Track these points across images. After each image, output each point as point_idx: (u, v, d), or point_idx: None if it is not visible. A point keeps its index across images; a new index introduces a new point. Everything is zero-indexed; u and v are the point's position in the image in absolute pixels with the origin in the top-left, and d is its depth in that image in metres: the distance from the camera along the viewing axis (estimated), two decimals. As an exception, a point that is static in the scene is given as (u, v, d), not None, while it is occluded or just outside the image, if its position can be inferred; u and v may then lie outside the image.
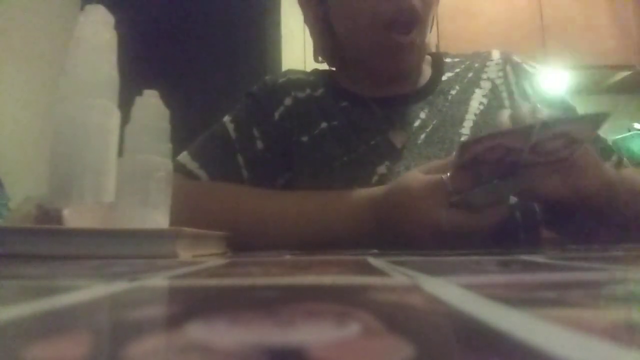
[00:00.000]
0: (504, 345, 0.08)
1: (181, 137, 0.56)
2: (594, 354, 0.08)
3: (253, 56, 1.93)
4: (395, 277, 0.20)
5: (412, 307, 0.13)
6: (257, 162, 0.66)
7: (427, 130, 0.63)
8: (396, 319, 0.11)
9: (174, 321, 0.11)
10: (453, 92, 0.68)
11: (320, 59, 0.76)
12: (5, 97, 1.71)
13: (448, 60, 0.74)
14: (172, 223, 0.42)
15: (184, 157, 0.66)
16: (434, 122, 0.64)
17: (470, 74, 0.70)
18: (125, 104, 0.46)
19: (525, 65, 0.71)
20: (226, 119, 0.70)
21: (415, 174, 0.48)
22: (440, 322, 0.11)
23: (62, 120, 0.45)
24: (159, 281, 0.20)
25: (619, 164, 0.64)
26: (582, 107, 0.76)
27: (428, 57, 0.74)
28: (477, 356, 0.08)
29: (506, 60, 0.71)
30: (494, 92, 0.67)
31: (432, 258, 0.32)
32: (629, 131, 2.01)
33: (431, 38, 2.03)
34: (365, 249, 0.44)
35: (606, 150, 0.65)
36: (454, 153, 0.46)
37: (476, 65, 0.71)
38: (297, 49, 2.04)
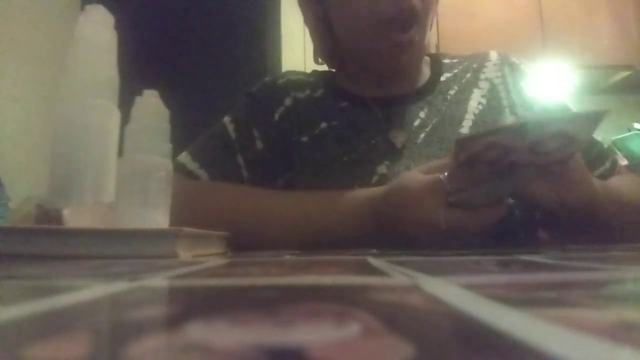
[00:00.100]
0: (504, 345, 0.08)
1: (181, 137, 0.56)
2: (593, 354, 0.08)
3: (253, 56, 1.93)
4: (395, 277, 0.20)
5: (412, 307, 0.13)
6: (257, 162, 0.66)
7: (427, 129, 0.64)
8: (396, 319, 0.11)
9: (174, 321, 0.11)
10: (452, 92, 0.68)
11: (320, 60, 0.76)
12: (5, 97, 1.71)
13: (446, 61, 0.74)
14: (172, 223, 0.42)
15: (184, 157, 0.66)
16: (433, 122, 0.64)
17: (468, 75, 0.70)
18: (125, 104, 0.46)
19: (523, 66, 0.71)
20: (226, 119, 0.70)
21: (414, 174, 0.48)
22: (440, 322, 0.11)
23: (62, 120, 0.45)
24: (159, 281, 0.20)
25: (612, 169, 0.65)
26: (582, 107, 0.76)
27: (427, 58, 0.74)
28: (477, 356, 0.08)
29: (504, 61, 0.71)
30: (492, 93, 0.67)
31: (432, 258, 0.32)
32: (629, 131, 2.01)
33: (431, 38, 2.03)
34: (365, 249, 0.44)
35: (601, 155, 0.66)
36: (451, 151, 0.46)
37: (474, 66, 0.71)
38: (297, 49, 2.04)
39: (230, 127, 0.68)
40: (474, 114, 0.64)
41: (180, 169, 0.64)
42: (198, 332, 0.09)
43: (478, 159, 0.44)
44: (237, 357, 0.08)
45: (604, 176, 0.64)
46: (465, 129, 0.63)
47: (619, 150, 1.86)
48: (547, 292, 0.15)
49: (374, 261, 0.29)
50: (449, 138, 0.62)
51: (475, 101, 0.66)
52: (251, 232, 0.55)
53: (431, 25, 0.68)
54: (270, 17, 2.01)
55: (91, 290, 0.17)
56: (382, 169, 0.61)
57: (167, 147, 0.44)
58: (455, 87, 0.68)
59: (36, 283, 0.20)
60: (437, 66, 0.72)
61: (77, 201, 0.42)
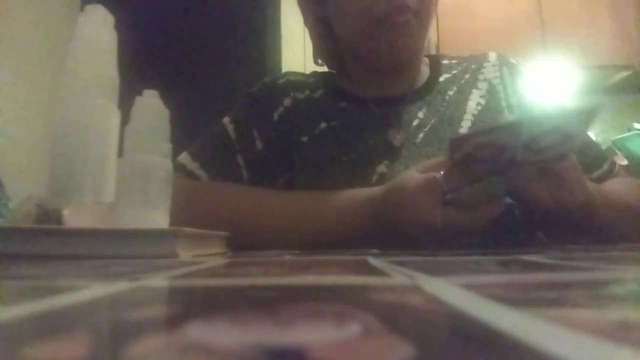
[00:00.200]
0: (504, 345, 0.08)
1: (181, 137, 0.56)
2: (593, 354, 0.08)
3: (253, 56, 1.93)
4: (395, 277, 0.20)
5: (412, 307, 0.13)
6: (257, 163, 0.66)
7: (425, 129, 0.64)
8: (396, 319, 0.11)
9: (174, 321, 0.11)
10: (451, 92, 0.68)
11: (320, 61, 0.76)
12: (5, 97, 1.71)
13: (445, 62, 0.74)
14: (172, 223, 0.42)
15: (184, 157, 0.66)
16: (432, 122, 0.64)
17: (467, 75, 0.70)
18: (125, 104, 0.46)
19: (521, 67, 0.71)
20: (226, 119, 0.70)
21: (412, 173, 0.49)
22: (440, 322, 0.11)
23: (62, 120, 0.45)
24: (159, 281, 0.20)
25: (610, 172, 0.65)
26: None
27: (425, 59, 0.74)
28: (477, 356, 0.08)
29: (502, 62, 0.71)
30: (491, 93, 0.67)
31: (432, 258, 0.32)
32: (629, 131, 2.00)
33: (431, 38, 2.03)
34: (365, 249, 0.44)
35: (599, 157, 0.66)
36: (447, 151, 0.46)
37: (473, 66, 0.71)
38: (297, 49, 2.04)
39: (230, 128, 0.68)
40: (473, 115, 0.65)
41: (180, 169, 0.64)
42: (198, 332, 0.09)
43: (473, 158, 0.44)
44: (237, 357, 0.08)
45: (602, 178, 0.64)
46: (464, 129, 0.63)
47: (619, 150, 1.86)
48: (547, 292, 0.15)
49: (374, 261, 0.29)
50: (447, 138, 0.62)
51: (474, 102, 0.66)
52: (251, 232, 0.55)
53: (430, 26, 0.68)
54: (270, 17, 2.01)
55: (91, 290, 0.17)
56: (381, 168, 0.61)
57: (167, 147, 0.44)
58: (454, 88, 0.68)
59: (36, 283, 0.20)
60: (436, 67, 0.72)
61: (77, 201, 0.42)
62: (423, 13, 0.62)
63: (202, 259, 0.35)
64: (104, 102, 0.47)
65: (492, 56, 0.73)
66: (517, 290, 0.16)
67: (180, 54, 1.93)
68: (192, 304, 0.15)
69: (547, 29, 2.12)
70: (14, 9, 1.80)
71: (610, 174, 0.65)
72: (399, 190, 0.49)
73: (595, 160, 0.65)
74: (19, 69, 1.79)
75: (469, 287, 0.16)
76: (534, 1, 2.15)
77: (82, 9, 0.49)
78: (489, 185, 0.45)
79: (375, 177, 0.60)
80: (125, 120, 0.45)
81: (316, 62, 0.77)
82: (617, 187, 0.61)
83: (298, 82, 0.72)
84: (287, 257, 0.36)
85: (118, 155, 0.45)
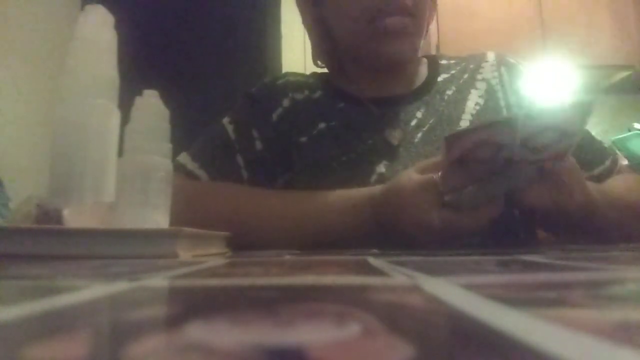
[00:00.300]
0: (504, 345, 0.08)
1: (181, 137, 0.56)
2: (593, 354, 0.08)
3: (253, 56, 1.93)
4: (395, 277, 0.20)
5: (412, 307, 0.13)
6: (257, 163, 0.66)
7: (424, 129, 0.64)
8: (396, 319, 0.11)
9: (174, 321, 0.11)
10: (449, 92, 0.68)
11: (319, 63, 0.76)
12: (5, 97, 1.71)
13: (443, 62, 0.74)
14: (172, 223, 0.42)
15: (183, 157, 0.66)
16: (431, 122, 0.64)
17: (465, 75, 0.70)
18: (125, 104, 0.46)
19: (519, 66, 0.71)
20: (225, 120, 0.70)
21: (410, 174, 0.48)
22: (440, 322, 0.11)
23: (62, 120, 0.45)
24: (159, 281, 0.20)
25: (612, 168, 0.65)
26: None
27: (424, 59, 0.75)
28: (477, 356, 0.08)
29: (500, 61, 0.71)
30: (489, 93, 0.67)
31: (432, 258, 0.32)
32: (629, 131, 2.00)
33: (431, 38, 2.03)
34: (365, 249, 0.44)
35: (601, 154, 0.65)
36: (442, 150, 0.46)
37: (471, 66, 0.71)
38: (297, 49, 2.04)
39: (230, 128, 0.68)
40: (472, 114, 0.65)
41: (180, 169, 0.64)
42: (198, 332, 0.09)
43: (470, 157, 0.43)
44: (237, 357, 0.08)
45: (604, 175, 0.63)
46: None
47: (619, 150, 1.86)
48: (547, 292, 0.15)
49: (374, 261, 0.29)
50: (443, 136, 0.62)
51: (473, 101, 0.66)
52: (251, 232, 0.55)
53: (428, 26, 0.69)
54: (270, 17, 2.01)
55: (91, 290, 0.17)
56: (380, 168, 0.61)
57: (167, 147, 0.44)
58: (453, 88, 0.68)
59: (36, 283, 0.20)
60: (434, 67, 0.72)
61: (77, 201, 0.42)
62: (419, 13, 0.62)
63: (202, 259, 0.35)
64: (104, 102, 0.47)
65: (491, 56, 0.73)
66: (517, 290, 0.16)
67: (180, 54, 1.93)
68: (192, 304, 0.15)
69: (547, 29, 2.12)
70: (14, 9, 1.80)
71: (612, 170, 0.64)
72: (397, 191, 0.49)
73: (596, 156, 0.64)
74: (19, 69, 1.79)
75: (469, 287, 0.16)
76: (534, 1, 2.15)
77: (82, 9, 0.49)
78: (487, 186, 0.45)
79: (374, 177, 0.60)
80: (125, 120, 0.45)
81: (315, 64, 0.77)
82: (618, 185, 0.60)
83: (297, 82, 0.72)
84: (287, 257, 0.36)
85: (118, 155, 0.45)
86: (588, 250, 0.39)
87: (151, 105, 0.44)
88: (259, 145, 0.67)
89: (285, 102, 0.69)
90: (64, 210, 0.38)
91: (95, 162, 0.45)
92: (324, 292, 0.16)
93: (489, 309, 0.12)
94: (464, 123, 0.64)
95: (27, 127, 1.73)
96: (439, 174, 0.46)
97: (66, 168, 0.44)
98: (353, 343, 0.09)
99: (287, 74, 0.76)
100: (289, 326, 0.10)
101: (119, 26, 0.49)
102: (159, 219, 0.41)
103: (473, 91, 0.68)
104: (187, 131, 0.74)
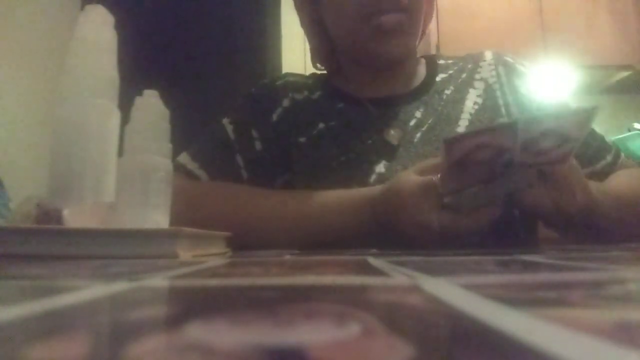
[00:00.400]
0: (504, 345, 0.08)
1: (181, 137, 0.56)
2: (594, 354, 0.08)
3: (253, 56, 1.93)
4: (395, 277, 0.20)
5: (412, 307, 0.13)
6: (256, 163, 0.66)
7: (423, 129, 0.64)
8: (396, 319, 0.11)
9: (174, 321, 0.11)
10: (448, 92, 0.68)
11: (319, 66, 0.76)
12: (5, 97, 1.71)
13: (441, 62, 0.74)
14: (172, 223, 0.42)
15: (183, 157, 0.66)
16: (430, 121, 0.64)
17: (463, 75, 0.70)
18: (125, 104, 0.46)
19: (517, 65, 0.71)
20: (225, 120, 0.70)
21: (409, 175, 0.48)
22: (440, 322, 0.11)
23: (62, 120, 0.45)
24: (159, 281, 0.20)
25: (614, 163, 0.64)
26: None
27: (422, 59, 0.75)
28: (477, 356, 0.08)
29: (498, 60, 0.71)
30: (487, 92, 0.67)
31: (432, 258, 0.32)
32: (629, 131, 2.01)
33: (431, 38, 2.03)
34: (365, 249, 0.44)
35: (602, 149, 0.65)
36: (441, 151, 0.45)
37: (469, 66, 0.72)
38: (297, 49, 2.04)
39: (229, 128, 0.68)
40: (470, 114, 0.65)
41: (180, 169, 0.64)
42: (198, 332, 0.09)
43: (470, 159, 0.43)
44: (237, 357, 0.08)
45: (606, 170, 0.63)
46: (461, 128, 0.63)
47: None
48: (547, 292, 0.15)
49: (374, 261, 0.29)
50: (441, 138, 0.62)
51: (471, 101, 0.66)
52: (251, 232, 0.55)
53: (427, 26, 0.69)
54: (270, 17, 2.01)
55: (91, 290, 0.17)
56: (379, 168, 0.61)
57: (167, 147, 0.44)
58: (451, 87, 0.69)
59: (36, 283, 0.20)
60: (433, 67, 0.73)
61: (77, 201, 0.42)
62: (415, 11, 0.62)
63: (202, 259, 0.35)
64: (104, 102, 0.47)
65: (488, 55, 0.73)
66: (517, 290, 0.16)
67: (180, 54, 1.93)
68: (192, 304, 0.15)
69: (547, 29, 2.12)
70: (14, 9, 1.80)
71: (614, 165, 0.64)
72: (396, 192, 0.49)
73: (598, 151, 0.64)
74: (19, 69, 1.79)
75: (469, 287, 0.16)
76: (534, 1, 2.15)
77: (82, 9, 0.49)
78: (487, 188, 0.45)
79: (373, 177, 0.60)
80: (125, 120, 0.45)
81: (315, 67, 0.77)
82: (621, 182, 0.60)
83: (297, 83, 0.72)
84: (287, 257, 0.36)
85: (118, 155, 0.45)
86: (588, 250, 0.39)
87: (151, 105, 0.44)
88: (258, 145, 0.67)
89: (285, 103, 0.69)
90: (64, 210, 0.38)
91: (95, 162, 0.45)
92: (324, 292, 0.16)
93: (489, 309, 0.12)
94: (463, 122, 0.64)
95: (27, 127, 1.73)
96: (439, 175, 0.46)
97: (66, 168, 0.44)
98: (353, 343, 0.09)
99: (286, 74, 0.76)
100: (289, 326, 0.10)
101: (119, 26, 0.49)
102: (159, 219, 0.41)
103: (471, 90, 0.68)
104: (187, 131, 0.74)
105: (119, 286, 0.18)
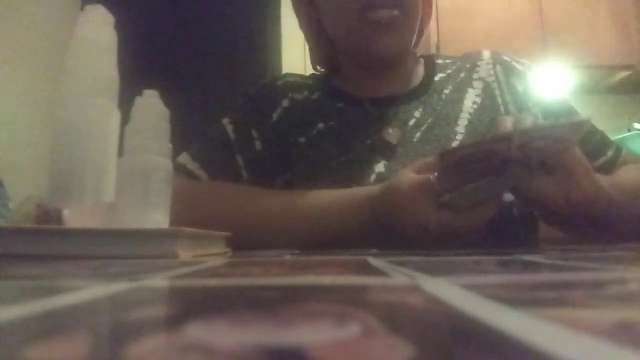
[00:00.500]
0: (504, 345, 0.08)
1: (181, 137, 0.56)
2: (594, 354, 0.08)
3: (253, 56, 1.93)
4: (395, 277, 0.20)
5: (412, 307, 0.13)
6: (256, 163, 0.66)
7: (422, 128, 0.64)
8: (396, 319, 0.11)
9: (174, 321, 0.11)
10: (446, 91, 0.68)
11: (318, 68, 0.76)
12: (5, 97, 1.71)
13: (440, 61, 0.74)
14: (172, 223, 0.42)
15: (183, 157, 0.67)
16: (429, 121, 0.64)
17: (462, 75, 0.70)
18: (125, 104, 0.46)
19: (514, 64, 0.71)
20: (225, 120, 0.70)
21: (407, 174, 0.48)
22: (440, 322, 0.11)
23: (62, 120, 0.45)
24: (159, 281, 0.20)
25: (615, 159, 0.64)
26: (582, 107, 0.75)
27: (420, 59, 0.75)
28: (477, 356, 0.08)
29: (496, 59, 0.71)
30: (486, 92, 0.67)
31: (432, 258, 0.32)
32: (629, 131, 2.01)
33: (431, 38, 2.03)
34: (365, 249, 0.44)
35: (602, 145, 0.65)
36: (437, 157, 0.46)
37: (467, 65, 0.72)
38: (297, 49, 2.04)
39: (229, 128, 0.68)
40: (469, 113, 0.65)
41: (180, 169, 0.64)
42: (198, 332, 0.09)
43: (466, 161, 0.44)
44: (237, 357, 0.08)
45: (607, 167, 0.62)
46: (460, 127, 0.63)
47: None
48: (547, 292, 0.15)
49: (374, 261, 0.29)
50: (445, 136, 0.63)
51: (470, 100, 0.66)
52: (251, 232, 0.55)
53: (425, 24, 0.69)
54: (270, 17, 2.02)
55: (91, 290, 0.17)
56: (379, 167, 0.61)
57: (167, 147, 0.44)
58: (450, 87, 0.69)
59: (36, 283, 0.20)
60: (431, 67, 0.73)
61: (77, 201, 0.42)
62: (409, 6, 0.62)
63: (202, 259, 0.35)
64: (104, 102, 0.47)
65: (486, 54, 0.73)
66: (517, 290, 0.16)
67: (180, 54, 1.93)
68: (192, 304, 0.15)
69: (547, 29, 2.12)
70: (14, 9, 1.80)
71: (615, 161, 0.64)
72: (394, 190, 0.49)
73: (598, 147, 0.64)
74: (19, 69, 1.79)
75: (469, 287, 0.16)
76: (534, 1, 2.15)
77: (82, 9, 0.49)
78: (484, 186, 0.45)
79: (373, 177, 0.60)
80: (125, 120, 0.45)
81: (315, 69, 0.77)
82: (630, 175, 0.59)
83: (296, 83, 0.73)
84: (287, 257, 0.36)
85: (118, 155, 0.45)
86: (588, 250, 0.39)
87: (151, 105, 0.44)
88: (258, 145, 0.67)
89: (285, 103, 0.69)
90: (64, 210, 0.38)
91: (95, 162, 0.45)
92: (324, 292, 0.16)
93: (489, 309, 0.12)
94: (462, 122, 0.64)
95: (27, 127, 1.73)
96: (435, 174, 0.46)
97: (66, 168, 0.44)
98: (353, 343, 0.09)
99: (286, 74, 0.77)
100: (288, 326, 0.10)
101: (119, 26, 0.49)
102: (159, 219, 0.41)
103: (470, 90, 0.68)
104: (187, 131, 0.75)
105: (119, 286, 0.18)
